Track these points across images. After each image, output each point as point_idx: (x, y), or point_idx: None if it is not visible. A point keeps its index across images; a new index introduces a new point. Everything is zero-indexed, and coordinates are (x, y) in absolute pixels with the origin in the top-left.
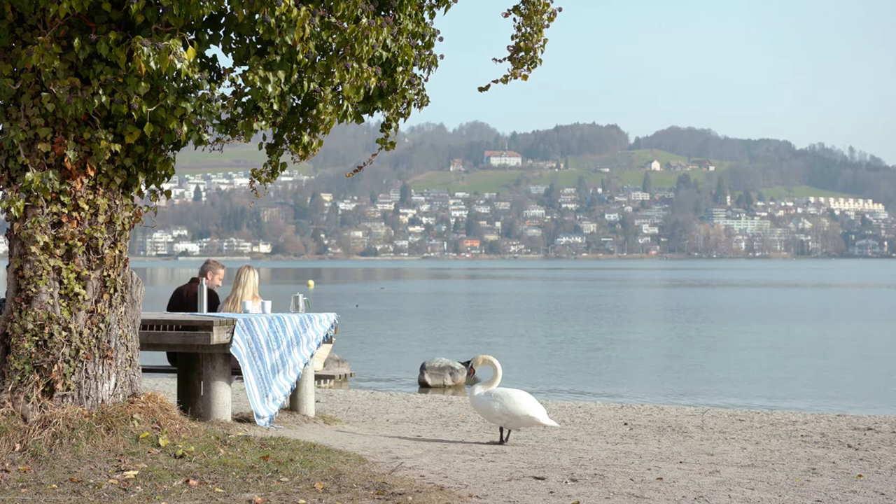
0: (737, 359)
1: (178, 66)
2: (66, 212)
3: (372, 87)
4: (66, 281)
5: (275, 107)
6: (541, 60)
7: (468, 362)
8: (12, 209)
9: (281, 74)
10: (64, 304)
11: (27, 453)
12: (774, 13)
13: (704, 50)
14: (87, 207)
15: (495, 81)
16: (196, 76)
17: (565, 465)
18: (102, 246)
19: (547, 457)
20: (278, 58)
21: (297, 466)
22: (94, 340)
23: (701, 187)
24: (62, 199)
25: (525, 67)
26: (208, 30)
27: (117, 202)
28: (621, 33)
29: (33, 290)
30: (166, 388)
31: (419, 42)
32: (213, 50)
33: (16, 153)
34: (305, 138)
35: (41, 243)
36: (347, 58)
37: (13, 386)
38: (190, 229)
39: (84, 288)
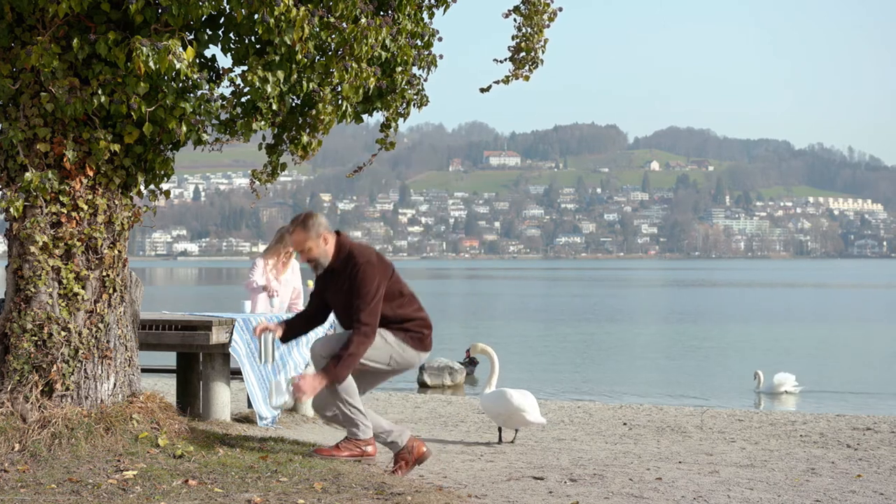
0: (736, 359)
1: (178, 66)
2: (66, 212)
3: (371, 87)
4: (65, 281)
5: (274, 107)
6: (542, 61)
7: (468, 360)
8: (11, 209)
9: (280, 74)
10: (63, 304)
11: (26, 453)
12: (774, 13)
13: (704, 50)
14: (86, 207)
15: (497, 82)
16: (195, 76)
17: (564, 465)
18: (101, 246)
19: (546, 457)
20: (277, 58)
21: (297, 466)
22: (93, 340)
23: (700, 187)
24: (61, 199)
25: (526, 68)
26: (207, 30)
27: (116, 202)
28: (621, 33)
29: (32, 290)
30: (166, 388)
31: (418, 42)
32: (212, 50)
33: (15, 153)
34: (305, 138)
35: (40, 243)
36: (346, 58)
37: (12, 386)
38: (189, 229)
39: (83, 288)
